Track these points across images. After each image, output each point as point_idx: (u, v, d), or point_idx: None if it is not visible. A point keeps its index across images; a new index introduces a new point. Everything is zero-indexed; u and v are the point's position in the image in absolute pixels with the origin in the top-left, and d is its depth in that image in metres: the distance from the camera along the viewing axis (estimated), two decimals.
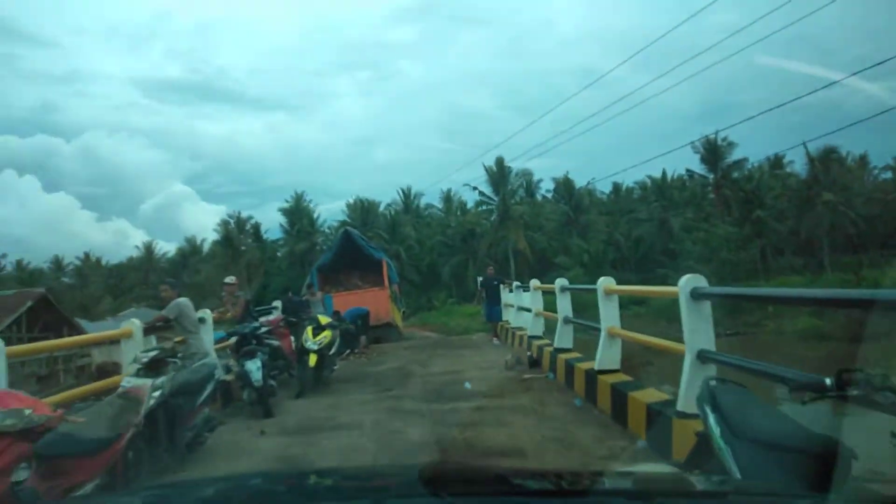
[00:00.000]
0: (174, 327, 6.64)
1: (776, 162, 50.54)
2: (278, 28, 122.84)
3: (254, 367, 6.86)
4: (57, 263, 55.44)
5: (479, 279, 24.83)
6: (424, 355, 11.63)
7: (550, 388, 7.12)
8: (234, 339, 7.93)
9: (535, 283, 10.08)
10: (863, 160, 51.70)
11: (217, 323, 9.72)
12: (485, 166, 47.10)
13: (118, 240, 76.20)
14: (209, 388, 5.57)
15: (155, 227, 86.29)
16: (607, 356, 6.01)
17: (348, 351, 12.35)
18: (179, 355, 6.62)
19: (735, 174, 48.47)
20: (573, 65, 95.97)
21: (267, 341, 8.54)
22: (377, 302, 17.16)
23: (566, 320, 7.95)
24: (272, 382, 7.18)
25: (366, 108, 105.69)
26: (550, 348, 8.16)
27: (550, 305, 10.34)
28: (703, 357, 4.07)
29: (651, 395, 4.92)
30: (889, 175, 49.93)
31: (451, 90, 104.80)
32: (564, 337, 7.91)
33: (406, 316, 28.34)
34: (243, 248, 54.73)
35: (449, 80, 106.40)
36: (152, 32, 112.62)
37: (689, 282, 4.17)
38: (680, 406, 4.12)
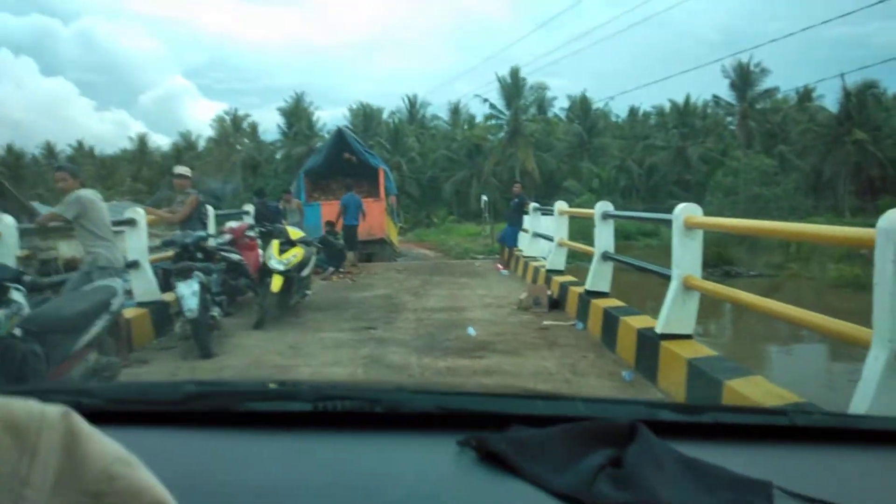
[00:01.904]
0: (76, 230, 4.83)
1: (805, 95, 47.36)
2: None
3: (187, 290, 5.09)
4: (49, 150, 53.02)
5: (484, 198, 22.97)
6: (419, 281, 9.91)
7: (581, 343, 5.40)
8: (171, 252, 6.11)
9: (560, 205, 8.19)
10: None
11: (167, 228, 7.95)
12: (497, 76, 43.87)
13: (117, 131, 74.12)
14: (100, 323, 3.79)
15: (154, 119, 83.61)
16: (677, 315, 4.23)
17: (332, 269, 10.68)
18: (84, 269, 4.89)
19: (761, 105, 45.51)
20: None
21: (224, 254, 6.80)
22: (370, 215, 15.38)
23: (605, 257, 6.13)
24: (214, 312, 5.44)
25: (376, 10, 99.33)
26: (580, 289, 6.40)
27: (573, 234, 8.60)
28: None
29: (762, 387, 3.17)
30: None
31: None
32: (601, 278, 6.11)
33: (403, 231, 26.67)
34: (238, 147, 52.42)
35: None
36: None
37: None
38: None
